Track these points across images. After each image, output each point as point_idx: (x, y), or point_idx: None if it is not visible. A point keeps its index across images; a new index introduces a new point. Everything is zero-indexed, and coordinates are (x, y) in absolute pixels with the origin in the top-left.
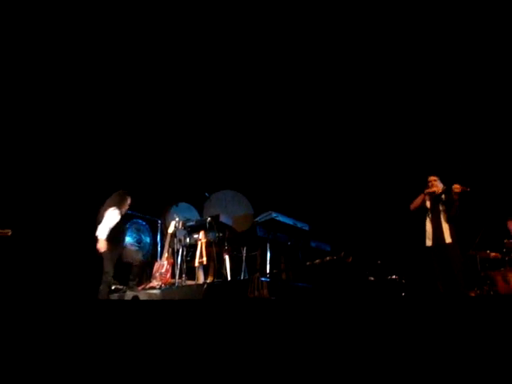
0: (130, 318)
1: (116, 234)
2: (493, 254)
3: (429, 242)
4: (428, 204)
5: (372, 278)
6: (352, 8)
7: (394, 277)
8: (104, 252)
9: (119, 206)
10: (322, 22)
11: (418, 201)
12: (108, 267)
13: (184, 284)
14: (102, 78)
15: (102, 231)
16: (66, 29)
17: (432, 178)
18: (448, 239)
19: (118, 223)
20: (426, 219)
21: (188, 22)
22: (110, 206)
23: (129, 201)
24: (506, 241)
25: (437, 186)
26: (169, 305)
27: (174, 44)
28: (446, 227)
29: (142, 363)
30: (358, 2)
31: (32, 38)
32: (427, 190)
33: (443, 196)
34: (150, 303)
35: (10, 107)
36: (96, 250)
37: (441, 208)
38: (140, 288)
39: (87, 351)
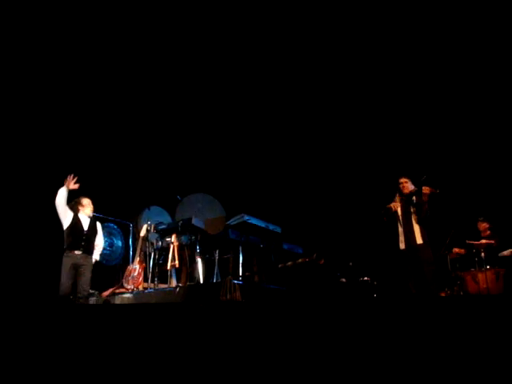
0: (101, 322)
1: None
2: (456, 250)
3: (402, 245)
4: (398, 208)
5: (344, 280)
6: (352, 8)
7: (365, 278)
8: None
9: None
10: (320, 21)
11: (388, 212)
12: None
13: (156, 288)
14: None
15: None
16: (66, 28)
17: (403, 179)
18: (419, 240)
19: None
20: (397, 223)
21: (182, 21)
22: None
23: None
24: (467, 241)
25: (407, 187)
26: (141, 308)
27: (161, 45)
28: (417, 229)
29: (115, 367)
30: (357, 2)
31: (32, 37)
32: (388, 205)
33: (414, 198)
34: (122, 307)
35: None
36: None
37: (411, 210)
38: (107, 292)
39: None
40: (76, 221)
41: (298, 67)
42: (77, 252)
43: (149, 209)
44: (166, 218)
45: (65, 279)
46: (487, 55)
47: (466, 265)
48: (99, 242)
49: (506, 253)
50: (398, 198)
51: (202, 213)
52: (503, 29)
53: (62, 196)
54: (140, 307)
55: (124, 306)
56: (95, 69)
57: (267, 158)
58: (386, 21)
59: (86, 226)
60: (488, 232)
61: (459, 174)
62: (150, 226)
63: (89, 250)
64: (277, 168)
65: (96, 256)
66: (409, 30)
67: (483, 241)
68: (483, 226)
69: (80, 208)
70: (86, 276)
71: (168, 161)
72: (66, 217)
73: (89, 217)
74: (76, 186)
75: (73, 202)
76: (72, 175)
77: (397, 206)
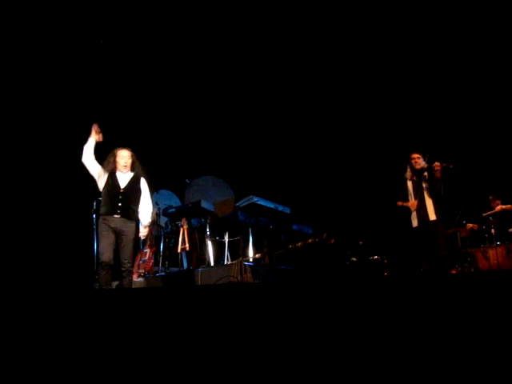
0: (115, 307)
1: None
2: (469, 225)
3: (414, 223)
4: (410, 185)
5: (354, 259)
6: (351, 8)
7: (376, 257)
8: None
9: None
10: (320, 21)
11: (399, 203)
12: None
13: (167, 271)
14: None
15: None
16: (66, 28)
17: (415, 155)
18: (432, 216)
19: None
20: (409, 200)
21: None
22: None
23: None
24: (484, 214)
25: (420, 163)
26: (153, 292)
27: (161, 41)
28: (429, 205)
29: (131, 354)
30: (357, 2)
31: (32, 37)
32: (405, 204)
33: (425, 174)
34: (135, 291)
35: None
36: None
37: (424, 186)
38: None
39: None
40: (111, 178)
41: (306, 53)
42: (115, 216)
43: (157, 192)
44: (175, 202)
45: (104, 245)
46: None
47: (476, 241)
48: (146, 205)
49: None
50: (409, 174)
51: (211, 195)
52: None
53: (87, 150)
54: (152, 291)
55: (136, 290)
56: (99, 57)
57: (275, 139)
58: (387, 14)
59: (123, 184)
60: (499, 207)
61: (467, 149)
62: (159, 209)
63: (128, 213)
64: (284, 148)
65: (144, 221)
66: (410, 26)
67: (498, 207)
68: (496, 203)
69: (115, 162)
70: (127, 246)
71: (176, 144)
72: (98, 175)
73: (130, 172)
74: (101, 138)
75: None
76: (97, 124)
77: (414, 206)
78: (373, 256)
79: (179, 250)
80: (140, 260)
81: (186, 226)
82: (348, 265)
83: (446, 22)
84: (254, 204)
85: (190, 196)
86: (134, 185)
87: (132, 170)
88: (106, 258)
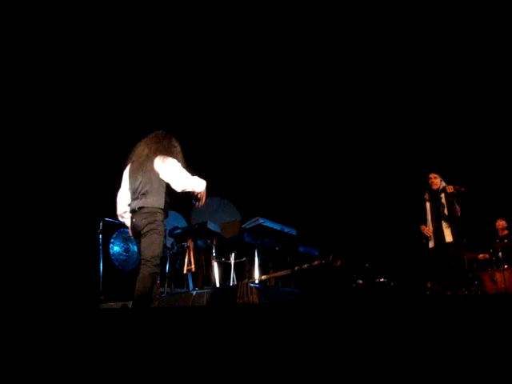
0: (121, 326)
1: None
2: (481, 256)
3: (431, 244)
4: (428, 207)
5: (361, 281)
6: (352, 8)
7: (382, 280)
8: None
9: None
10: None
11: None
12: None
13: (173, 292)
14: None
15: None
16: (66, 28)
17: (432, 175)
18: (448, 238)
19: None
20: (426, 222)
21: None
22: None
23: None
24: (493, 246)
25: (436, 183)
26: (158, 312)
27: (162, 46)
28: (445, 226)
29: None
30: (357, 2)
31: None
32: (422, 230)
33: (442, 195)
34: (137, 311)
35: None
36: None
37: (440, 208)
38: None
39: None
40: None
41: (314, 68)
42: None
43: None
44: (182, 223)
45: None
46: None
47: (484, 265)
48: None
49: None
50: (427, 195)
51: (218, 217)
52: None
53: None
54: (157, 311)
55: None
56: (96, 68)
57: (282, 161)
58: (391, 14)
59: None
60: (506, 231)
61: (475, 173)
62: (165, 230)
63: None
64: (291, 171)
65: None
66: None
67: (505, 231)
68: (501, 224)
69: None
70: None
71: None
72: None
73: None
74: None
75: None
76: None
77: (429, 232)
78: (379, 278)
79: (185, 271)
80: None
81: (192, 247)
82: (354, 287)
83: (466, 38)
84: (260, 226)
85: (196, 217)
86: None
87: None
88: None
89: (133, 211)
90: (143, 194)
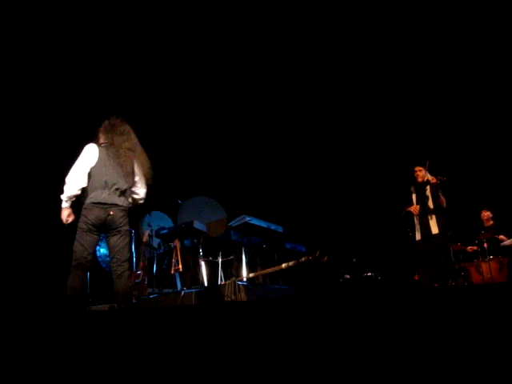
0: (109, 328)
1: None
2: (469, 248)
3: (418, 236)
4: (414, 199)
5: (348, 276)
6: (352, 8)
7: (369, 274)
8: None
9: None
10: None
11: (403, 213)
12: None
13: (161, 292)
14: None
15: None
16: (66, 28)
17: (417, 168)
18: (435, 230)
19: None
20: (413, 214)
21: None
22: None
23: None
24: (478, 237)
25: (421, 176)
26: (148, 313)
27: (159, 46)
28: (432, 218)
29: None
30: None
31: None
32: (407, 208)
33: (427, 188)
34: (127, 312)
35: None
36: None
37: (426, 201)
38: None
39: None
40: None
41: (298, 65)
42: None
43: (150, 214)
44: (168, 223)
45: None
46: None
47: (470, 256)
48: None
49: (507, 242)
50: (413, 188)
51: (204, 216)
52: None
53: None
54: (146, 311)
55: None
56: (95, 71)
57: (266, 159)
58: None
59: None
60: (491, 222)
61: (459, 164)
62: (151, 231)
63: None
64: (276, 167)
65: None
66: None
67: (490, 222)
68: (486, 214)
69: None
70: None
71: (166, 165)
72: None
73: None
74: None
75: None
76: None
77: (415, 209)
78: (367, 273)
79: (172, 271)
80: (133, 282)
81: (178, 247)
82: (342, 282)
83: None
84: (246, 223)
85: (182, 217)
86: None
87: None
88: None
89: (105, 204)
90: (122, 192)
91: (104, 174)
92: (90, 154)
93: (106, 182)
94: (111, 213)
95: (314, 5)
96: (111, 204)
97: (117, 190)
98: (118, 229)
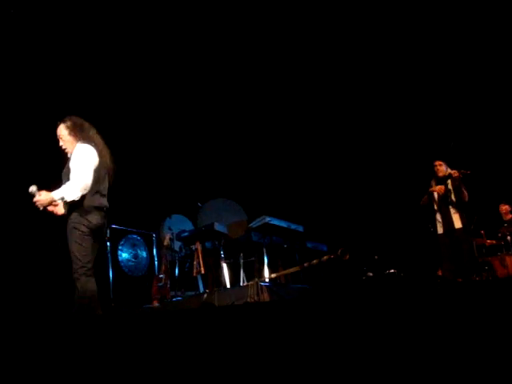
0: (131, 331)
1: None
2: (489, 242)
3: (440, 230)
4: (435, 194)
5: (371, 274)
6: (352, 8)
7: (392, 271)
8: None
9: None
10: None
11: (425, 198)
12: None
13: (184, 295)
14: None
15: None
16: (65, 28)
17: (437, 162)
18: (458, 224)
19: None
20: (435, 208)
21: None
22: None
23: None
24: (500, 230)
25: (442, 170)
26: (170, 316)
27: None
28: (454, 212)
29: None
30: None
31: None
32: (431, 189)
33: (448, 181)
34: (151, 315)
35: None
36: None
37: (448, 194)
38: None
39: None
40: None
41: (313, 65)
42: None
43: (170, 217)
44: (188, 226)
45: None
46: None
47: (493, 249)
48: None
49: None
50: (433, 183)
51: (224, 217)
52: None
53: None
54: (171, 314)
55: (155, 314)
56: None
57: (284, 158)
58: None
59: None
60: (510, 215)
61: (477, 158)
62: (172, 234)
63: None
64: (294, 167)
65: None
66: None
67: (509, 216)
68: (504, 208)
69: None
70: (69, 249)
71: (185, 168)
72: None
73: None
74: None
75: None
76: None
77: (440, 189)
78: (389, 269)
79: (194, 274)
80: (156, 286)
81: (200, 250)
82: (364, 280)
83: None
84: (267, 224)
85: (202, 219)
86: (67, 169)
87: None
88: None
89: (103, 209)
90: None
91: (101, 176)
92: (92, 156)
93: (101, 184)
94: (105, 219)
95: (315, 4)
96: (106, 209)
97: (105, 193)
98: (103, 237)
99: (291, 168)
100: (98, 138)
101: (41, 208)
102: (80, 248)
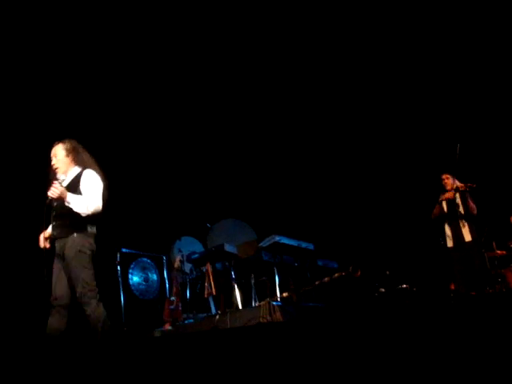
0: (143, 355)
1: None
2: (499, 252)
3: (450, 243)
4: (445, 207)
5: (383, 290)
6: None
7: (404, 286)
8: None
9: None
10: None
11: (436, 210)
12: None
13: (196, 317)
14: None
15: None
16: (65, 28)
17: (444, 176)
18: (467, 237)
19: None
20: (444, 222)
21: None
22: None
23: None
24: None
25: (449, 184)
26: (183, 338)
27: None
28: (464, 226)
29: None
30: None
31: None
32: (441, 198)
33: (457, 195)
34: (164, 339)
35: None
36: None
37: (457, 208)
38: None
39: None
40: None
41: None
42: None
43: (180, 239)
44: (198, 247)
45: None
46: None
47: (505, 261)
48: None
49: None
50: (442, 196)
51: (233, 238)
52: None
53: None
54: (183, 337)
55: (165, 338)
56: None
57: (291, 177)
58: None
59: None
60: None
61: (491, 169)
62: (182, 256)
63: (64, 230)
64: (303, 186)
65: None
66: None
67: None
68: None
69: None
70: (73, 274)
71: (193, 190)
72: None
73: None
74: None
75: None
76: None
77: (450, 195)
78: (401, 285)
79: (206, 296)
80: (168, 308)
81: (210, 271)
82: (377, 296)
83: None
84: (277, 243)
85: (212, 240)
86: (70, 189)
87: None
88: (53, 293)
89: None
90: None
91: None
92: (101, 183)
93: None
94: None
95: (314, 5)
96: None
97: None
98: None
99: (299, 186)
100: (93, 162)
101: (51, 195)
102: (88, 272)
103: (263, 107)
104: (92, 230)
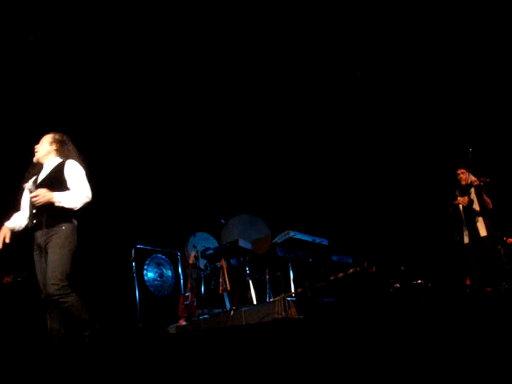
0: (157, 352)
1: None
2: (510, 240)
3: (466, 239)
4: (460, 206)
5: (398, 285)
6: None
7: (419, 281)
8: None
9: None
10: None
11: (451, 210)
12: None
13: (211, 313)
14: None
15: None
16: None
17: (459, 170)
18: (483, 232)
19: None
20: (460, 216)
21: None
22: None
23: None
24: None
25: (464, 178)
26: (198, 335)
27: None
28: (480, 221)
29: None
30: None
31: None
32: (455, 202)
33: (472, 191)
34: (179, 336)
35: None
36: None
37: (471, 204)
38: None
39: None
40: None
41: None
42: (38, 231)
43: (194, 235)
44: (213, 243)
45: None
46: None
47: None
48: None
49: None
50: (458, 192)
51: (248, 234)
52: None
53: None
54: (198, 334)
55: (180, 335)
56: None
57: (306, 173)
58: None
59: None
60: None
61: (506, 164)
62: (197, 252)
63: (49, 220)
64: (317, 181)
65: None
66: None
67: None
68: None
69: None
70: (50, 260)
71: (208, 185)
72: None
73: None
74: None
75: None
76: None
77: (464, 201)
78: (416, 280)
79: (221, 291)
80: (183, 304)
81: (225, 267)
82: (392, 292)
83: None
84: (291, 239)
85: (226, 236)
86: (51, 179)
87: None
88: (43, 291)
89: None
90: None
91: None
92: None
93: None
94: None
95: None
96: None
97: None
98: None
99: (313, 181)
100: (77, 156)
101: (37, 204)
102: (68, 264)
103: (277, 103)
104: (75, 222)
